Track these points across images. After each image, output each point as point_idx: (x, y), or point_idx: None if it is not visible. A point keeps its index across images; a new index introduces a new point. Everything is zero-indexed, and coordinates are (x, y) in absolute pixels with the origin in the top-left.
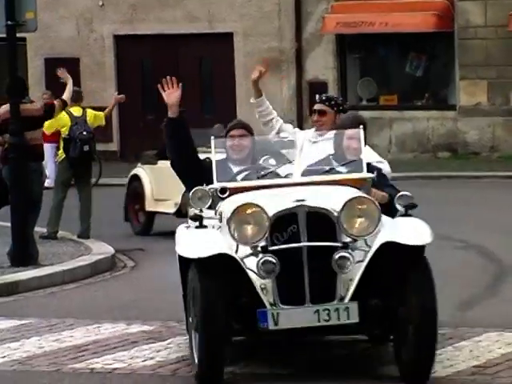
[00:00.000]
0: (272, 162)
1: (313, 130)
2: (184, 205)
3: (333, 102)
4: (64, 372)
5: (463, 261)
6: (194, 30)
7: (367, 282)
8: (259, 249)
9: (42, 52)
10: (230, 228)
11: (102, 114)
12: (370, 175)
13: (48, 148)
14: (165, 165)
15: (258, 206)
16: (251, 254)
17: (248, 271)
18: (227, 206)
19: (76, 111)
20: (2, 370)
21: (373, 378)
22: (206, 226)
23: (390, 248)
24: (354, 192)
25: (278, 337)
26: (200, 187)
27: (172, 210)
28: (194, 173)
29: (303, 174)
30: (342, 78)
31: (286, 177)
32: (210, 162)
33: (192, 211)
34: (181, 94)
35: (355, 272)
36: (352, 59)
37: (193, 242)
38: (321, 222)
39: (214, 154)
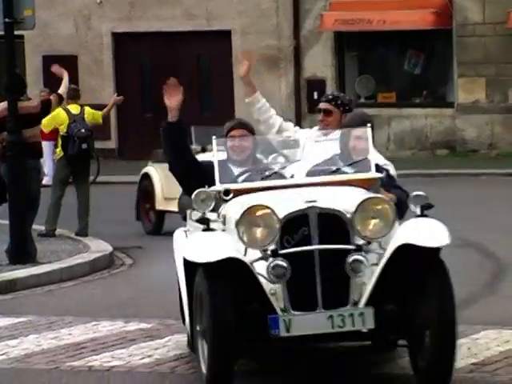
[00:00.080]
0: (281, 159)
1: (315, 128)
2: (181, 208)
3: (339, 102)
4: (62, 370)
5: (461, 258)
6: (191, 28)
7: (382, 286)
8: (269, 252)
9: (40, 50)
10: (238, 231)
11: (99, 112)
12: (379, 175)
13: (46, 146)
14: None
15: (268, 207)
16: (261, 258)
17: (258, 276)
18: (232, 208)
19: (74, 109)
20: (0, 367)
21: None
22: (213, 229)
23: (405, 250)
24: (365, 192)
25: (289, 344)
26: (203, 189)
27: None
28: (192, 175)
29: (308, 175)
30: (341, 76)
31: (290, 177)
32: (209, 163)
33: (195, 214)
34: (182, 99)
35: (370, 276)
36: (350, 57)
37: (200, 246)
38: (333, 224)
39: (215, 154)
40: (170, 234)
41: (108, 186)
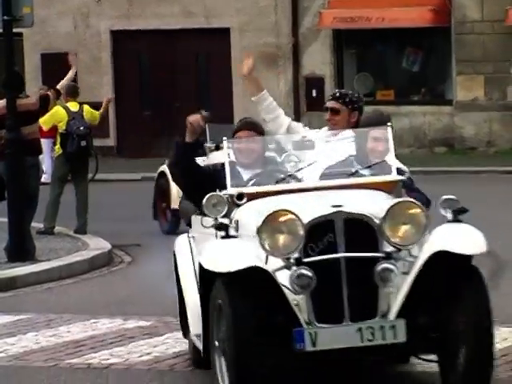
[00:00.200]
0: (294, 158)
1: (324, 129)
2: (184, 213)
3: (347, 99)
4: (61, 367)
5: None
6: (190, 26)
7: (413, 296)
8: (292, 261)
9: (38, 47)
10: (260, 238)
11: (97, 112)
12: (401, 178)
13: (45, 143)
14: None
15: (292, 212)
16: (283, 267)
17: (281, 286)
18: (246, 213)
19: (73, 106)
20: None
21: None
22: (233, 236)
23: (438, 258)
24: (389, 196)
25: (315, 358)
26: (214, 193)
27: None
28: (197, 187)
29: (322, 177)
30: (339, 73)
31: (306, 180)
32: (215, 166)
33: (206, 220)
34: (203, 124)
35: (400, 285)
36: (349, 54)
37: (220, 254)
38: (360, 230)
39: (226, 156)
40: (171, 231)
41: (107, 183)
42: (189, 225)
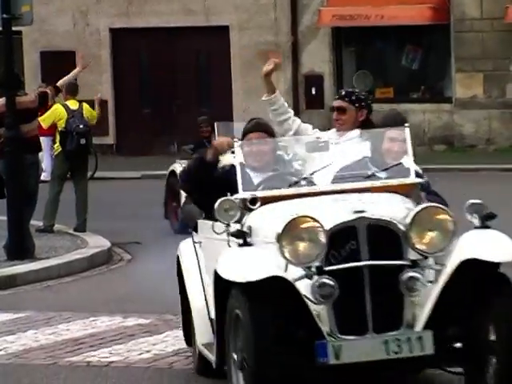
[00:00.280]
0: (302, 156)
1: (333, 130)
2: (188, 218)
3: (353, 98)
4: (60, 365)
5: None
6: (189, 23)
7: (440, 306)
8: (313, 269)
9: (37, 45)
10: (280, 245)
11: (95, 112)
12: (420, 180)
13: (44, 141)
14: None
15: (314, 219)
16: (304, 276)
17: (303, 296)
18: (260, 218)
19: (72, 104)
20: None
21: None
22: (251, 244)
23: (466, 265)
24: (407, 200)
25: (338, 373)
26: (226, 198)
27: None
28: (206, 193)
29: (335, 180)
30: (338, 71)
31: (320, 184)
32: (222, 169)
33: (218, 225)
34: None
35: (426, 295)
36: (348, 52)
37: (239, 263)
38: (384, 237)
39: (238, 159)
40: (170, 229)
41: (106, 181)
42: (195, 229)
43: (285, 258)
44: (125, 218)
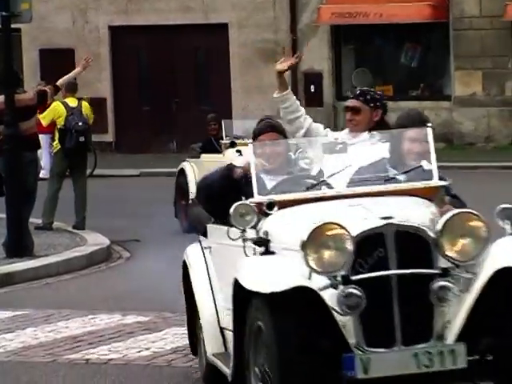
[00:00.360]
0: (308, 154)
1: (345, 131)
2: (197, 222)
3: (368, 97)
4: (60, 363)
5: None
6: (188, 21)
7: (473, 316)
8: (339, 279)
9: (37, 43)
10: (305, 254)
11: (91, 114)
12: (444, 183)
13: (43, 139)
14: (209, 159)
15: (340, 225)
16: (329, 286)
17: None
18: (278, 224)
19: (71, 102)
20: None
21: None
22: (273, 252)
23: (498, 273)
24: (431, 204)
25: None
26: (242, 202)
27: None
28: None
29: (351, 183)
30: (337, 69)
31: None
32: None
33: (233, 231)
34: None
35: (457, 305)
36: (347, 50)
37: (262, 273)
38: (413, 244)
39: (252, 162)
40: (169, 227)
41: (105, 179)
42: (204, 234)
43: (309, 266)
44: (124, 216)
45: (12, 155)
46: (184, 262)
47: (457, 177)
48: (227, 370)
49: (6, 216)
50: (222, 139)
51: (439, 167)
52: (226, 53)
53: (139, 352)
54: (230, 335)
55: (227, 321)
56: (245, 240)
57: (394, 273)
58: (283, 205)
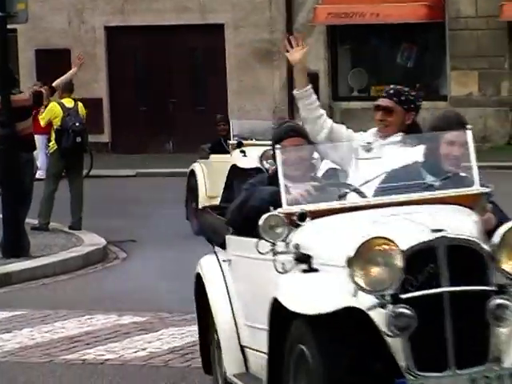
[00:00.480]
0: (321, 162)
1: (371, 131)
2: (210, 231)
3: (403, 98)
4: (56, 363)
5: None
6: (185, 21)
7: None
8: (388, 298)
9: (32, 43)
10: (352, 271)
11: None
12: (487, 189)
13: (39, 139)
14: (218, 159)
15: (390, 240)
16: (377, 305)
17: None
18: (313, 236)
19: (68, 102)
20: None
21: None
22: (316, 270)
23: None
24: (472, 213)
25: None
26: (272, 213)
27: None
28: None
29: (384, 190)
30: (333, 69)
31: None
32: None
33: (262, 244)
34: None
35: None
36: (343, 50)
37: (307, 293)
38: (466, 259)
39: (280, 169)
40: (166, 227)
41: (101, 179)
42: (222, 246)
43: (357, 284)
44: (120, 216)
45: (8, 156)
46: (198, 274)
47: None
48: None
49: (2, 216)
50: (230, 140)
51: None
52: (222, 53)
53: (136, 352)
54: (251, 354)
55: (248, 339)
56: (275, 254)
57: (446, 290)
58: (315, 215)
